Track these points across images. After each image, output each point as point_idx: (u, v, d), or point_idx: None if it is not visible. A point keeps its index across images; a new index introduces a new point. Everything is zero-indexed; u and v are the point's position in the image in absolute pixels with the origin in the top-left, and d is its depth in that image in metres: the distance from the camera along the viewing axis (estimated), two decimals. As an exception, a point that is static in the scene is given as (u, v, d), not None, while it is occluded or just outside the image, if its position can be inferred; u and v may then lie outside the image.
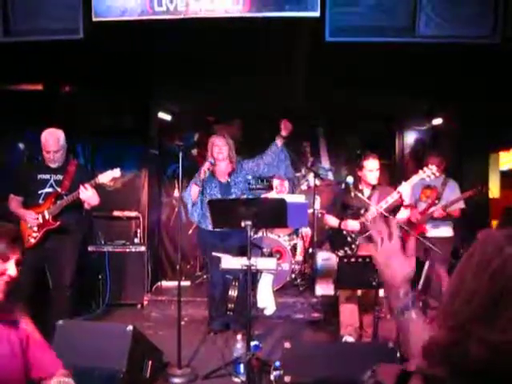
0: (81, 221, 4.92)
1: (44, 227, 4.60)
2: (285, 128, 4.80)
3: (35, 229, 4.61)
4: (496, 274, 0.87)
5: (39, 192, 4.68)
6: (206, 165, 4.81)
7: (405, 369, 1.09)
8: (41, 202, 4.65)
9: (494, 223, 6.76)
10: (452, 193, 5.61)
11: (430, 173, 4.40)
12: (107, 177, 4.59)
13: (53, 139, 4.65)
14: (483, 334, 0.85)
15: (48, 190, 4.68)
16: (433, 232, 5.54)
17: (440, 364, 0.93)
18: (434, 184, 5.52)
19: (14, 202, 4.75)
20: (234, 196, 4.94)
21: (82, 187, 4.47)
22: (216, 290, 5.11)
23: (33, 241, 4.60)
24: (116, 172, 4.62)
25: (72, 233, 4.78)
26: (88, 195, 4.50)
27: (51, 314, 4.63)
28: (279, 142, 4.89)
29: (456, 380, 0.90)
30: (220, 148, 4.95)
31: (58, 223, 4.61)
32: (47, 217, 4.59)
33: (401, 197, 4.43)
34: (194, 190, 4.92)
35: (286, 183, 7.23)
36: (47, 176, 4.73)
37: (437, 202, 5.55)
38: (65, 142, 4.77)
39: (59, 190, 4.68)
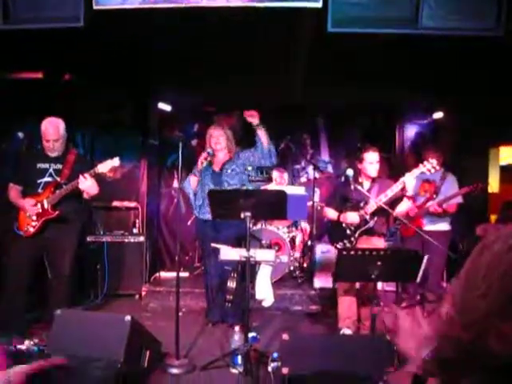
0: (80, 210, 4.90)
1: (43, 216, 4.59)
2: (251, 117, 4.67)
3: (34, 218, 4.59)
4: (507, 273, 0.86)
5: (38, 181, 4.65)
6: (204, 155, 4.80)
7: (418, 373, 1.08)
8: (40, 191, 4.63)
9: (493, 218, 6.76)
10: (450, 187, 5.58)
11: (430, 166, 4.40)
12: (106, 166, 4.55)
13: (52, 128, 4.63)
14: (502, 329, 0.84)
15: (47, 179, 4.66)
16: (429, 226, 5.53)
17: (457, 362, 0.92)
18: (432, 178, 5.50)
19: (14, 192, 4.73)
20: (225, 185, 4.89)
21: (81, 177, 4.45)
22: (212, 281, 5.09)
23: (32, 230, 4.59)
24: (115, 161, 4.59)
25: (71, 222, 4.76)
26: (87, 185, 4.48)
27: (50, 303, 4.66)
28: (259, 131, 4.77)
29: (476, 377, 0.89)
30: (217, 138, 4.93)
31: (57, 213, 4.59)
32: (46, 206, 4.57)
33: (403, 188, 4.42)
34: (192, 180, 4.95)
35: (286, 175, 7.23)
36: (46, 165, 4.70)
37: (435, 196, 5.54)
38: (65, 131, 4.75)
39: (58, 179, 4.66)
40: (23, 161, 4.94)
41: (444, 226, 5.67)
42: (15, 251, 4.72)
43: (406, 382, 1.13)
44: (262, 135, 4.78)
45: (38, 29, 3.76)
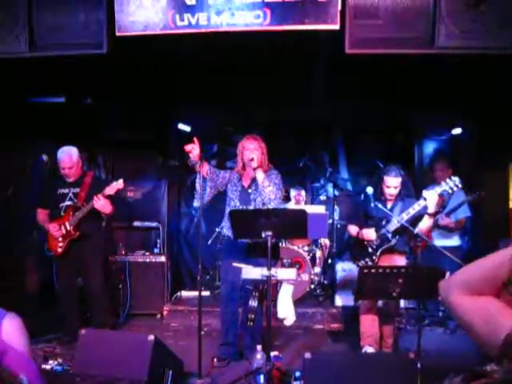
0: (100, 227, 5.34)
1: (67, 237, 5.05)
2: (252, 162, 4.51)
3: (60, 239, 5.05)
4: None
5: (60, 205, 5.12)
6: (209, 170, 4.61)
7: None
8: (62, 214, 5.08)
9: (515, 233, 6.69)
10: (457, 201, 5.55)
11: (452, 184, 4.36)
12: (113, 188, 4.96)
13: (66, 157, 5.10)
14: None
15: (67, 202, 5.12)
16: (438, 241, 5.46)
17: None
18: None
19: (42, 216, 5.24)
20: (252, 204, 4.61)
21: (95, 198, 4.91)
22: (226, 310, 4.80)
23: (60, 250, 5.07)
24: (120, 184, 4.99)
25: (93, 238, 5.19)
26: (101, 204, 4.93)
27: (91, 313, 5.27)
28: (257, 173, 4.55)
29: None
30: (251, 151, 4.57)
31: (79, 233, 5.06)
32: (68, 228, 5.03)
33: (426, 206, 4.38)
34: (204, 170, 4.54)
35: (303, 193, 7.23)
36: (66, 190, 5.16)
37: (441, 209, 5.49)
38: (78, 157, 5.19)
39: (76, 202, 5.08)
40: (47, 187, 5.42)
41: (454, 241, 5.62)
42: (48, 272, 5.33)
43: None
44: (258, 177, 4.53)
45: (61, 55, 3.88)
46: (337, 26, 3.40)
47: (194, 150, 4.37)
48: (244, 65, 5.05)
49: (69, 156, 5.09)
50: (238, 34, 3.77)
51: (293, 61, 4.95)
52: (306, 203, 7.25)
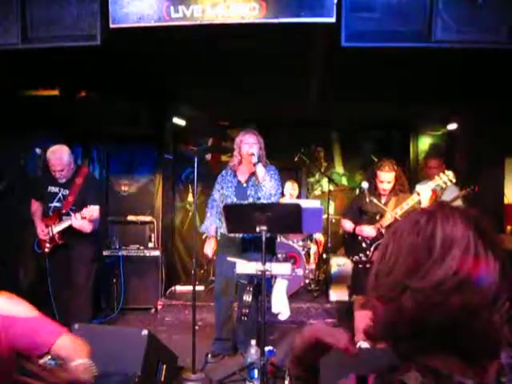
0: (88, 235, 4.87)
1: (52, 242, 4.85)
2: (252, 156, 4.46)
3: (48, 241, 4.86)
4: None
5: (49, 205, 4.90)
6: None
7: None
8: (51, 214, 4.88)
9: (509, 228, 6.69)
10: (450, 195, 5.55)
11: (446, 179, 4.36)
12: (89, 212, 4.58)
13: (56, 159, 4.78)
14: (411, 286, 0.87)
15: (56, 204, 4.89)
16: None
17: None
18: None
19: (35, 206, 5.00)
20: (250, 199, 4.58)
21: (73, 216, 4.64)
22: (220, 305, 4.82)
23: (47, 250, 4.88)
24: (96, 210, 4.63)
25: (79, 248, 4.92)
26: (78, 224, 4.66)
27: (70, 313, 4.81)
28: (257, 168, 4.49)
29: (400, 347, 0.92)
30: (250, 146, 4.52)
31: (62, 242, 4.83)
32: (54, 232, 4.80)
33: (419, 200, 4.37)
34: (212, 230, 4.77)
35: (296, 185, 7.19)
36: (56, 189, 4.91)
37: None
38: (70, 158, 4.88)
39: (64, 206, 4.86)
40: (40, 183, 5.14)
41: None
42: (39, 269, 5.11)
43: None
44: (258, 171, 4.49)
45: (54, 47, 3.83)
46: (333, 19, 3.37)
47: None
48: (240, 59, 5.02)
49: (59, 159, 4.77)
50: (234, 28, 3.74)
51: (288, 55, 4.92)
52: (298, 197, 7.21)
